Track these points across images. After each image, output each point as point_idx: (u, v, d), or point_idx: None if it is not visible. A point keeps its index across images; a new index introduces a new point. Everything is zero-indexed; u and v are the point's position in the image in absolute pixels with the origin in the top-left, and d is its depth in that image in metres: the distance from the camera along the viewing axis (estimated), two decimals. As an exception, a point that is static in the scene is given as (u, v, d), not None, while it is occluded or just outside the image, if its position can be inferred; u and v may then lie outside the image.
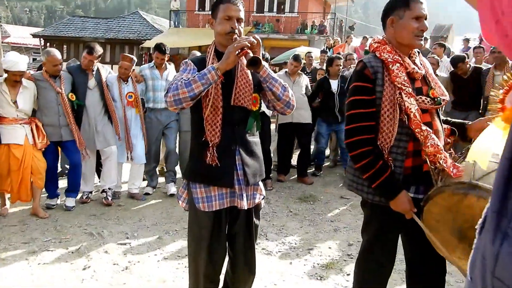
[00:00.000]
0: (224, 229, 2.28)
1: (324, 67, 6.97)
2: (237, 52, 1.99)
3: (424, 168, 2.13)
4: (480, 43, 12.90)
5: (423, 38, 2.17)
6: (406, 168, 2.10)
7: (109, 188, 5.00)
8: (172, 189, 5.32)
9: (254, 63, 1.99)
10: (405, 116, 2.05)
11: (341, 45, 12.40)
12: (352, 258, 3.66)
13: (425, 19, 2.10)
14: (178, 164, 5.44)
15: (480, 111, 5.25)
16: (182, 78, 2.05)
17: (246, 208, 2.22)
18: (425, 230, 2.05)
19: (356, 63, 6.75)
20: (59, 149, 4.82)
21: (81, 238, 4.00)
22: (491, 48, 6.05)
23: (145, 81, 5.18)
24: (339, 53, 9.89)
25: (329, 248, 3.88)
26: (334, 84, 5.95)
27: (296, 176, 6.22)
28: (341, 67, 6.09)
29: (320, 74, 6.67)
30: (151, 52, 5.44)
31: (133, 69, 5.06)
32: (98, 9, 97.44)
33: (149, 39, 19.85)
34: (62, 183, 5.18)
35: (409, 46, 2.13)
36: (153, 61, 5.20)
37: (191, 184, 2.25)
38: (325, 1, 23.99)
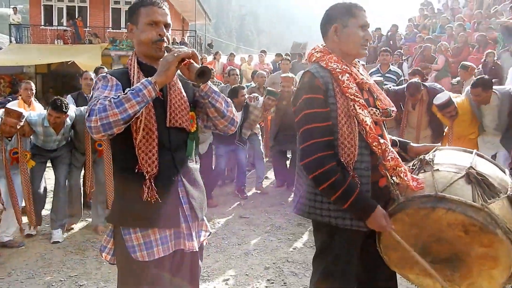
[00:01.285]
0: (168, 279, 1.85)
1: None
2: (177, 62, 1.67)
3: (380, 183, 2.00)
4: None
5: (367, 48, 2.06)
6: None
7: None
8: (57, 235, 4.38)
9: (203, 75, 1.67)
10: (362, 129, 1.90)
11: (211, 61, 12.36)
12: (272, 283, 3.43)
13: (368, 27, 2.01)
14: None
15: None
16: (105, 96, 1.62)
17: (196, 249, 1.85)
18: (404, 244, 1.88)
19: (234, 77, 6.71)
20: None
21: None
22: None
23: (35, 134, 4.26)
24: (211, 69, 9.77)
25: (246, 275, 3.58)
26: (239, 116, 5.72)
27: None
28: (246, 97, 5.81)
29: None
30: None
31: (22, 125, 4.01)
32: None
33: (-16, 56, 17.24)
34: None
35: (354, 55, 2.01)
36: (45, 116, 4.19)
37: (123, 230, 1.78)
38: (183, 19, 23.93)
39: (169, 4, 20.59)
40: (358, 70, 2.03)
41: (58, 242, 4.30)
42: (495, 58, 8.28)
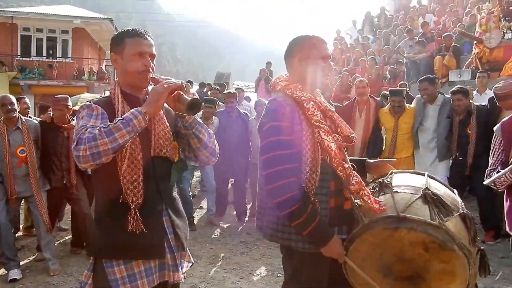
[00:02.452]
0: None
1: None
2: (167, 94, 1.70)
3: (345, 206, 2.09)
4: (256, 90, 14.52)
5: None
6: (331, 209, 2.02)
7: None
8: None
9: (194, 106, 1.72)
10: (326, 155, 1.98)
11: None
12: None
13: (329, 59, 2.13)
14: None
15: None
16: (93, 125, 1.60)
17: (182, 280, 1.85)
18: (362, 274, 1.98)
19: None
20: None
21: None
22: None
23: None
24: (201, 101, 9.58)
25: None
26: None
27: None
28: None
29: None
30: None
31: None
32: None
33: None
34: None
35: (315, 84, 2.11)
36: None
37: (105, 263, 1.73)
38: (100, 47, 23.20)
39: (85, 33, 20.08)
40: (321, 98, 2.14)
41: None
42: (407, 89, 9.09)
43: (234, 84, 20.12)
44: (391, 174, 2.25)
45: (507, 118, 2.57)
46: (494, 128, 2.60)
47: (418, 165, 5.13)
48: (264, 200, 2.09)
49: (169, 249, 1.82)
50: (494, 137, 2.59)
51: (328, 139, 1.97)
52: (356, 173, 2.04)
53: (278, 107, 1.97)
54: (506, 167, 2.41)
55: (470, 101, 5.09)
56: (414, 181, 2.14)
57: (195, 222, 5.96)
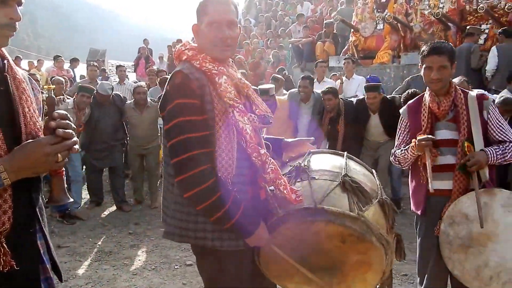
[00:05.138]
0: None
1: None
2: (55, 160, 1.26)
3: (261, 195, 1.92)
4: (135, 70, 13.74)
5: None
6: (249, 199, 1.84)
7: None
8: None
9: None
10: (242, 139, 1.74)
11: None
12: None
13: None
14: None
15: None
16: None
17: None
18: (288, 259, 1.85)
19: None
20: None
21: None
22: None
23: None
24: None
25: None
26: None
27: None
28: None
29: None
30: None
31: None
32: None
33: None
34: None
35: (219, 56, 1.79)
36: None
37: None
38: None
39: None
40: (234, 72, 1.88)
41: None
42: (286, 73, 9.35)
43: (109, 62, 18.82)
44: (309, 154, 2.13)
45: (412, 100, 2.70)
46: (400, 110, 2.74)
47: None
48: (169, 193, 1.82)
49: (45, 282, 1.38)
50: (400, 119, 2.70)
51: (243, 120, 1.72)
52: (272, 160, 1.84)
53: (184, 81, 1.67)
54: None
55: (340, 98, 5.46)
56: (333, 165, 2.05)
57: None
